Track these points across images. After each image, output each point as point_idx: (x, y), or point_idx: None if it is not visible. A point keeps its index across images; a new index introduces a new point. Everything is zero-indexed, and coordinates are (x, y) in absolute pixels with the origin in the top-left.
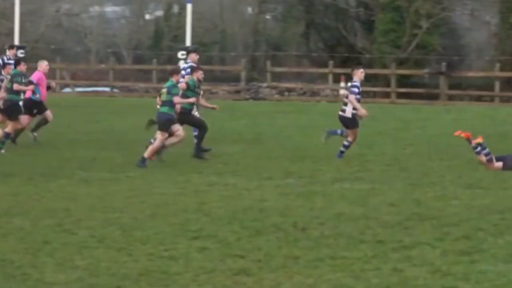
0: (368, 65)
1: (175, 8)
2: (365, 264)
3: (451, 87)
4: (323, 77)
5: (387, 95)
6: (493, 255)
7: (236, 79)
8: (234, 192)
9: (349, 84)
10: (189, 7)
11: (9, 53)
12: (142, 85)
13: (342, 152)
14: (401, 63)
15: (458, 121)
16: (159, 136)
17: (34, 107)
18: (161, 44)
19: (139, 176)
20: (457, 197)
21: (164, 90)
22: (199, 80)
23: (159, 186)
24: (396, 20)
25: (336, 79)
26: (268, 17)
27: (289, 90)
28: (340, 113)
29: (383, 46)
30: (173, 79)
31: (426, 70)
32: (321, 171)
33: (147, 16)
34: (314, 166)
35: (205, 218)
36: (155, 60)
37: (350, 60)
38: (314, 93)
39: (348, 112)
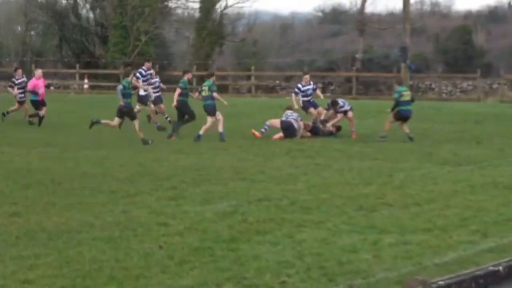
0: (104, 67)
1: None
2: (103, 208)
3: (163, 83)
4: (72, 76)
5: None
6: (192, 200)
7: (10, 77)
8: (8, 157)
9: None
10: None
11: None
12: None
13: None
14: (127, 66)
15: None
16: (209, 119)
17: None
18: None
19: None
20: (167, 160)
21: (205, 88)
22: (189, 80)
23: None
24: (123, 35)
25: (81, 77)
26: (32, 33)
27: (48, 85)
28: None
29: (114, 54)
30: (210, 80)
31: None
32: (71, 142)
33: None
34: (66, 138)
35: None
36: None
37: (91, 64)
38: (65, 87)
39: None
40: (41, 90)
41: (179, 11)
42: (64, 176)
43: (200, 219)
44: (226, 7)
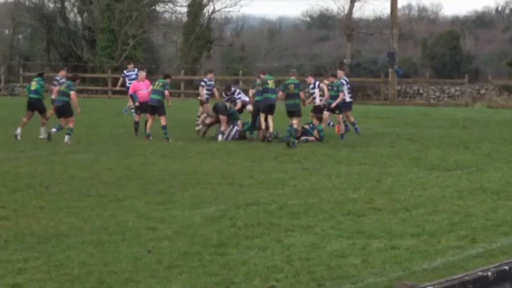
0: (92, 71)
1: None
2: (91, 212)
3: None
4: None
5: (105, 92)
6: (181, 204)
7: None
8: None
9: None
10: None
11: None
12: None
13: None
14: (115, 70)
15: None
16: (295, 121)
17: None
18: None
19: None
20: (155, 164)
21: (292, 86)
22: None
23: None
24: (111, 39)
25: None
26: (20, 36)
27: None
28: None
29: (102, 58)
30: (294, 77)
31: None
32: (59, 145)
33: None
34: (54, 142)
35: None
36: None
37: (79, 68)
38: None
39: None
40: (143, 93)
41: (166, 15)
42: (52, 180)
43: (188, 224)
44: (213, 11)
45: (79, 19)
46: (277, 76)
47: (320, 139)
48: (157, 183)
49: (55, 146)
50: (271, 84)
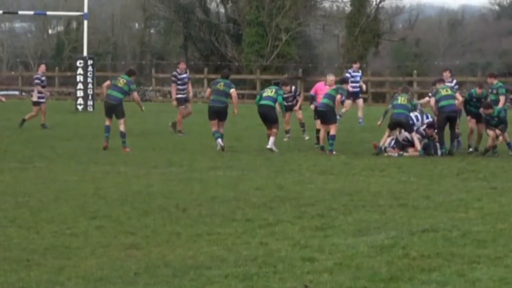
0: (237, 71)
1: (74, 24)
2: (236, 239)
3: (306, 89)
4: (199, 82)
5: (254, 96)
6: (343, 230)
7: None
8: (125, 178)
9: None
10: (85, 23)
11: None
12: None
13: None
14: (264, 70)
15: None
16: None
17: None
18: (62, 54)
19: (44, 166)
20: (312, 182)
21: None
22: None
23: (61, 174)
24: (260, 34)
25: (210, 84)
26: (152, 31)
27: (171, 93)
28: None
29: (249, 55)
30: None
31: (285, 76)
32: (198, 160)
33: (50, 31)
34: (192, 157)
35: (101, 201)
36: (57, 67)
37: (222, 68)
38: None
39: None
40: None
41: (326, 4)
42: (190, 201)
43: (352, 254)
44: None
45: (222, 10)
46: (460, 77)
47: None
48: (315, 205)
49: (193, 161)
50: (443, 92)
